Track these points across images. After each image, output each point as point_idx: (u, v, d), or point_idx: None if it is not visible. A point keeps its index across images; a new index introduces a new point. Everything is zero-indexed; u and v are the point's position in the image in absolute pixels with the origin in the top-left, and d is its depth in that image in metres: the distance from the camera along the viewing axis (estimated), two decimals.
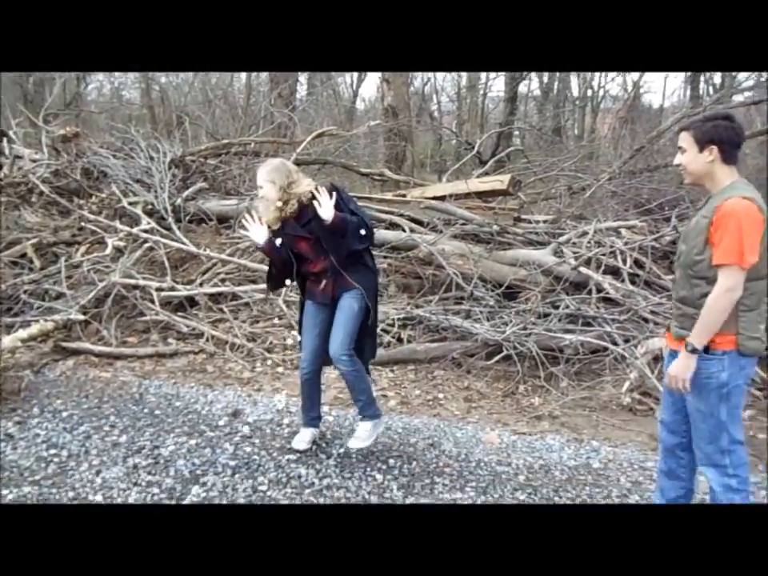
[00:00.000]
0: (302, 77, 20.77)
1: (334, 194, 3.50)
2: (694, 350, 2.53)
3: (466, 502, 3.39)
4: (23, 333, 5.28)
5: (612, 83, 21.06)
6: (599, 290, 5.78)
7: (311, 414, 3.95)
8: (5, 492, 3.32)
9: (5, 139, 8.45)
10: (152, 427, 4.11)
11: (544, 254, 6.28)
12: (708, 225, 2.49)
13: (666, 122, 9.74)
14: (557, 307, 5.74)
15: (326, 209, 3.42)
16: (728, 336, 2.52)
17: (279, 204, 3.57)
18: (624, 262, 6.08)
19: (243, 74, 21.55)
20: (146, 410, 4.38)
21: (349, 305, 3.64)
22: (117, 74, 22.86)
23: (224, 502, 3.31)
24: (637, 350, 5.09)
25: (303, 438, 3.91)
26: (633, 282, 5.89)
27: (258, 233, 3.63)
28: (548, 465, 3.85)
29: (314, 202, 3.47)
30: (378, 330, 5.69)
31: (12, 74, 19.94)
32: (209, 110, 14.60)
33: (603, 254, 6.11)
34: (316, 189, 3.49)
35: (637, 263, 6.11)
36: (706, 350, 2.54)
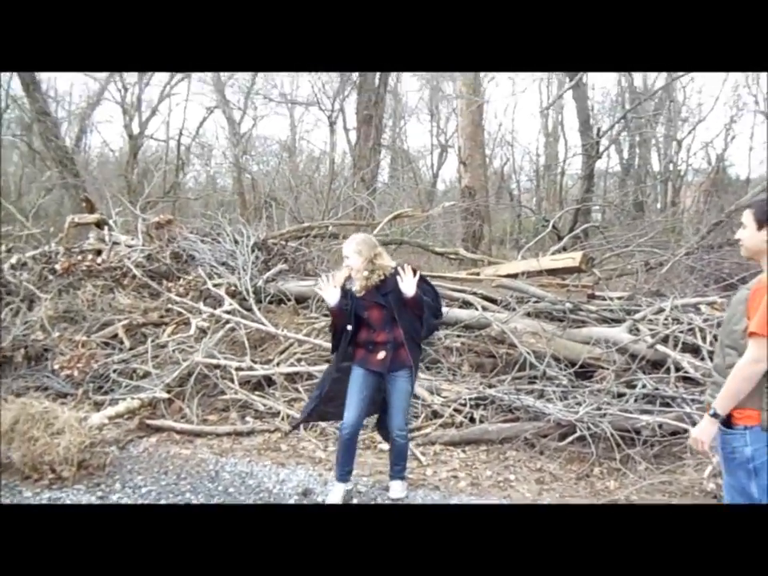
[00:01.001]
0: (384, 161, 21.59)
1: (418, 272, 3.86)
2: (714, 415, 2.54)
3: None
4: (111, 410, 5.58)
5: (694, 157, 20.81)
6: (678, 369, 5.61)
7: (346, 468, 4.15)
8: None
9: (106, 227, 9.12)
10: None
11: (619, 331, 6.17)
12: (747, 296, 2.54)
13: (745, 197, 9.53)
14: (633, 386, 5.59)
15: (409, 284, 3.79)
16: (749, 411, 2.51)
17: (366, 273, 3.91)
18: (704, 339, 5.90)
19: (328, 160, 22.60)
20: (220, 488, 4.50)
21: (404, 387, 4.05)
22: (213, 162, 24.49)
23: None
24: None
25: (337, 494, 4.10)
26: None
27: (331, 294, 3.98)
28: None
29: (398, 278, 3.82)
30: (451, 410, 5.71)
31: (117, 167, 21.63)
32: (294, 195, 15.28)
33: (681, 331, 5.95)
34: (402, 267, 3.87)
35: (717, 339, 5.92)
36: (729, 424, 2.55)
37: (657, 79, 19.32)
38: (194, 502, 4.25)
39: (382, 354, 3.95)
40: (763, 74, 16.25)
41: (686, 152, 20.87)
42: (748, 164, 24.79)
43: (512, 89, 22.83)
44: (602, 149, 15.51)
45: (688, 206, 18.15)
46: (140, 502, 4.24)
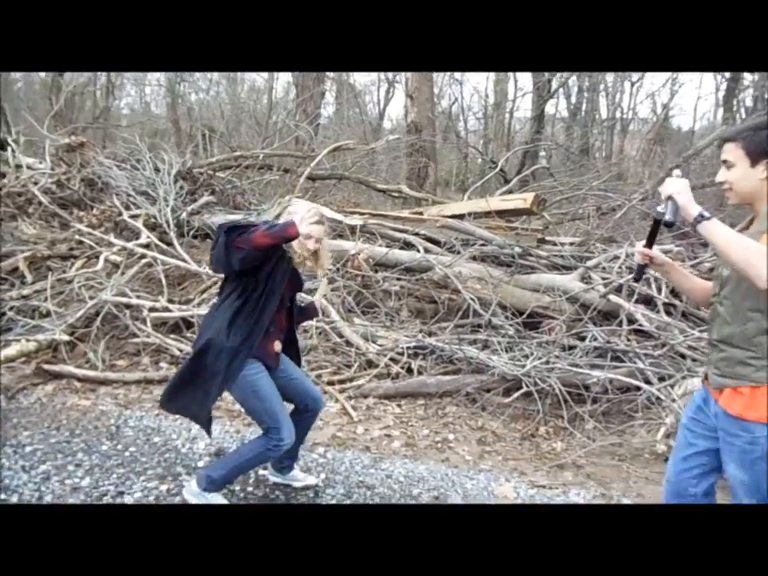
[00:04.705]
0: (329, 93, 20.62)
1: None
2: (701, 216, 1.97)
3: None
4: (0, 353, 4.88)
5: (641, 105, 20.63)
6: (631, 321, 5.24)
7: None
8: None
9: (10, 148, 8.15)
10: (122, 467, 3.64)
11: (570, 279, 5.74)
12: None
13: (703, 141, 9.16)
14: (583, 339, 5.21)
15: (322, 293, 3.44)
16: None
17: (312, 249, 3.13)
18: (659, 290, 5.53)
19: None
20: (119, 447, 3.91)
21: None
22: (147, 89, 22.99)
23: None
24: (673, 390, 4.54)
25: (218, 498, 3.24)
26: (668, 313, 5.34)
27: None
28: None
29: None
30: (387, 359, 5.22)
31: (42, 88, 19.99)
32: (230, 126, 14.31)
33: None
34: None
35: (673, 292, 5.56)
36: (751, 409, 2.01)
37: None
38: (86, 463, 3.66)
39: (278, 346, 3.16)
40: None
41: (633, 99, 20.67)
42: (693, 115, 24.88)
43: None
44: (552, 89, 14.99)
45: (632, 155, 17.99)
46: (20, 463, 3.63)
